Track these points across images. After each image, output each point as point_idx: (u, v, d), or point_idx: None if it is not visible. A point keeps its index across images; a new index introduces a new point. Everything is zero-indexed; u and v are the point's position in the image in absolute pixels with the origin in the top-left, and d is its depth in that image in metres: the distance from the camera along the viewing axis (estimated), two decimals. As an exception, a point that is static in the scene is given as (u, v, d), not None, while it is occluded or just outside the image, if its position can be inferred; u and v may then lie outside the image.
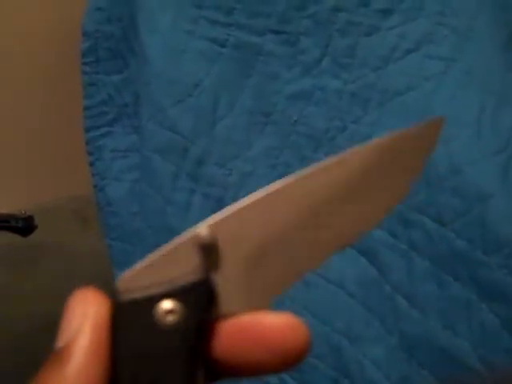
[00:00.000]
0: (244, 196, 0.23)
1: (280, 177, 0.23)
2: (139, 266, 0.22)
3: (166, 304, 0.21)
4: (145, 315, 0.21)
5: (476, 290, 0.48)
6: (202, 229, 0.22)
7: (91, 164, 0.71)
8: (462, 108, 0.52)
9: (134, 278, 0.22)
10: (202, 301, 0.22)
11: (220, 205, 0.59)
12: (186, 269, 0.22)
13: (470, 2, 0.55)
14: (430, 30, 0.56)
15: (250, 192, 0.24)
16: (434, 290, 0.50)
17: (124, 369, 0.21)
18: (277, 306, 0.22)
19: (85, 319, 0.20)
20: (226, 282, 0.22)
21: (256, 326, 0.21)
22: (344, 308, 0.54)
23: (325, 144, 0.59)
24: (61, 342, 0.20)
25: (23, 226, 0.94)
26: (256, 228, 0.23)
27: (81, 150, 0.72)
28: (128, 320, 0.21)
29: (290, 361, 0.21)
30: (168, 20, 0.63)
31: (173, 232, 0.72)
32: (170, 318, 0.21)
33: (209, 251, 0.22)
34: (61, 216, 1.02)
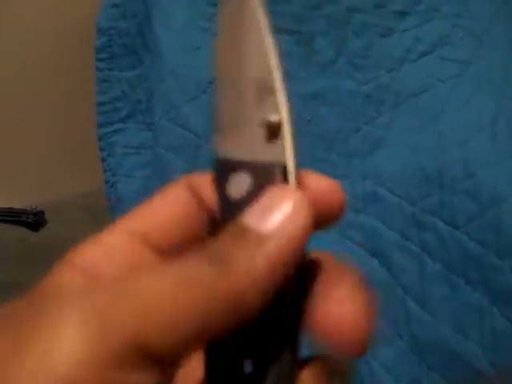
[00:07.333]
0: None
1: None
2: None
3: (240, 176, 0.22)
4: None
5: (488, 294, 0.48)
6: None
7: (103, 160, 0.71)
8: (477, 111, 0.52)
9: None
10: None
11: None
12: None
13: (486, 5, 0.55)
14: (446, 33, 0.56)
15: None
16: (445, 293, 0.50)
17: None
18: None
19: (300, 209, 0.20)
20: None
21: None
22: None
23: (337, 145, 0.59)
24: (266, 225, 0.20)
25: (34, 221, 0.94)
26: None
27: (93, 146, 0.72)
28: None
29: (330, 219, 0.22)
30: (183, 17, 0.63)
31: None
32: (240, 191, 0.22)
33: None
34: (72, 212, 1.02)
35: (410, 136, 0.55)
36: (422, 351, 0.50)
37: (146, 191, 0.68)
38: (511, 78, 0.52)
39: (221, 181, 0.23)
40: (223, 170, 0.23)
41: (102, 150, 0.71)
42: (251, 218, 0.20)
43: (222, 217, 0.22)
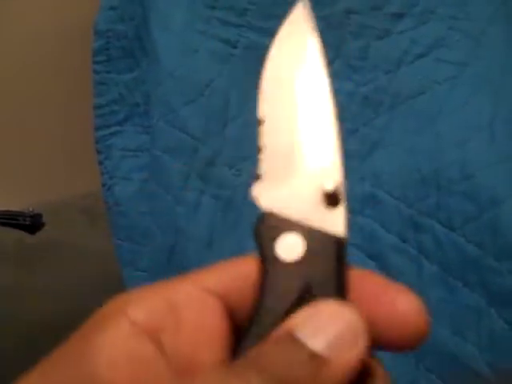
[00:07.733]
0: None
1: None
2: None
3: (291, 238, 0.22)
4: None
5: (485, 296, 0.48)
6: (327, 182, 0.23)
7: (100, 163, 0.71)
8: (475, 112, 0.51)
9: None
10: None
11: (229, 206, 0.59)
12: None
13: (483, 6, 0.55)
14: (442, 34, 0.56)
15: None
16: (443, 295, 0.50)
17: None
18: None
19: (356, 332, 0.20)
20: None
21: (389, 301, 0.22)
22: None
23: (335, 146, 0.59)
24: (320, 344, 0.19)
25: (31, 223, 0.94)
26: None
27: (91, 148, 0.72)
28: None
29: (413, 343, 0.22)
30: (180, 20, 0.63)
31: (181, 232, 0.72)
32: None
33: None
34: (69, 214, 1.02)
35: (408, 137, 0.55)
36: (419, 353, 0.50)
37: (143, 194, 0.68)
38: (509, 78, 0.52)
39: (267, 236, 0.22)
40: (271, 225, 0.22)
41: (99, 152, 0.71)
42: (302, 331, 0.19)
43: (267, 273, 0.21)
